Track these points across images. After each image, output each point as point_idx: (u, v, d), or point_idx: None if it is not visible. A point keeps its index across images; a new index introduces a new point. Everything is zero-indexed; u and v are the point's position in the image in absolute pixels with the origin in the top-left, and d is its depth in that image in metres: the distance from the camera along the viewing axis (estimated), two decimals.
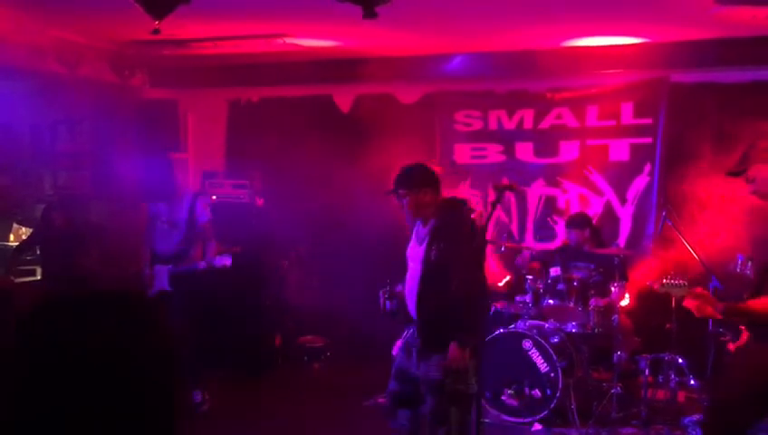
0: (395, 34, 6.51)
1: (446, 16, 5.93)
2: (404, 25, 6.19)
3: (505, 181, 5.42)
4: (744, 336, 3.59)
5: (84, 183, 6.99)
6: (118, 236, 6.13)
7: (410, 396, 4.05)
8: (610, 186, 7.03)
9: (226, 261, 5.58)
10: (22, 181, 7.07)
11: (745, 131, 5.84)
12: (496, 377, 5.45)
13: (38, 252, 6.55)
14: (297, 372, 7.00)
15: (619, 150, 6.99)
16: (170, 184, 5.76)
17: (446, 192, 6.90)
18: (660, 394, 5.61)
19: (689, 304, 3.52)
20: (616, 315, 5.59)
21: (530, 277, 5.95)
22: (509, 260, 6.98)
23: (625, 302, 5.84)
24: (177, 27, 5.88)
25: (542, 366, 5.38)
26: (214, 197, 7.01)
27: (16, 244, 6.89)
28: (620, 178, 6.98)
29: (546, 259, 6.21)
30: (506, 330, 5.59)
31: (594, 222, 6.52)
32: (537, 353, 5.41)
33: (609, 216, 6.98)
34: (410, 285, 3.99)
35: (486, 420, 5.26)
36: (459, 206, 4.15)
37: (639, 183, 6.92)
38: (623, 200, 6.99)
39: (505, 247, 6.41)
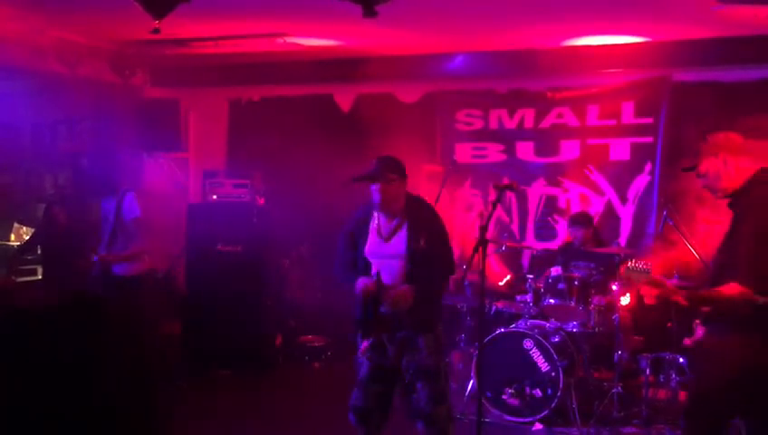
0: (395, 33, 6.51)
1: (446, 15, 5.93)
2: (404, 24, 6.19)
3: (506, 181, 5.40)
4: (700, 331, 3.58)
5: (85, 181, 6.97)
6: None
7: (394, 392, 4.06)
8: (611, 185, 7.03)
9: (128, 269, 5.36)
10: (23, 181, 7.07)
11: (748, 131, 5.83)
12: (497, 377, 5.45)
13: (39, 251, 6.56)
14: (298, 372, 7.00)
15: (620, 150, 6.99)
16: (109, 179, 5.48)
17: (448, 192, 6.97)
18: (661, 394, 5.60)
19: (645, 290, 3.51)
20: (617, 315, 5.58)
21: (530, 276, 5.95)
22: (509, 260, 6.99)
23: (626, 301, 5.84)
24: (177, 26, 5.88)
25: (543, 366, 5.37)
26: (215, 196, 7.01)
27: (17, 243, 6.90)
28: (621, 177, 6.97)
29: (549, 258, 6.22)
30: (507, 329, 5.59)
31: (595, 221, 6.52)
32: (538, 353, 5.41)
33: (610, 215, 6.98)
34: (387, 280, 3.94)
35: (487, 420, 5.25)
36: (423, 199, 4.25)
37: (640, 182, 6.91)
38: (624, 200, 6.99)
39: (506, 247, 6.40)
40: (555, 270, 5.89)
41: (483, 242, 3.99)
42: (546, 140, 7.20)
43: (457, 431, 5.19)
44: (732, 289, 3.35)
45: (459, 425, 5.24)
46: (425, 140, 7.53)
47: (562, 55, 6.93)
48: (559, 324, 5.69)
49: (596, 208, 6.97)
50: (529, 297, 5.87)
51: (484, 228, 4.05)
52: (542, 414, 5.35)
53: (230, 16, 5.91)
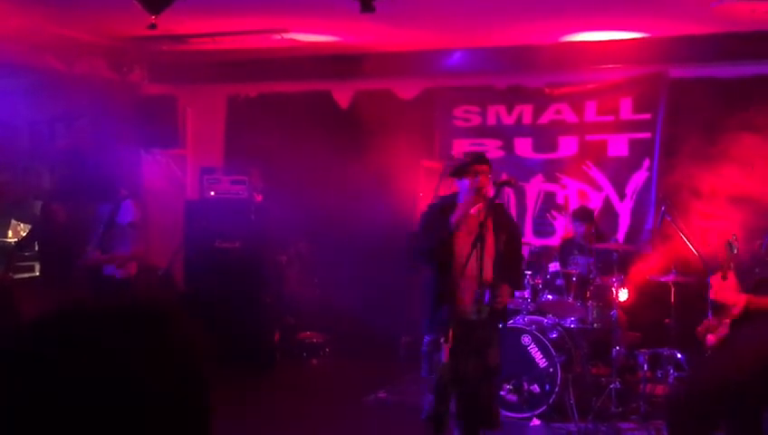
0: (393, 30, 6.50)
1: (444, 11, 5.92)
2: (402, 21, 6.18)
3: (504, 177, 5.41)
4: (724, 331, 3.60)
5: (83, 182, 6.96)
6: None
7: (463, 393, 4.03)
8: (609, 181, 7.03)
9: (119, 271, 5.36)
10: (20, 177, 7.06)
11: (745, 126, 5.85)
12: None
13: (36, 248, 6.55)
14: (296, 368, 7.00)
15: (618, 146, 6.98)
16: (107, 183, 5.51)
17: (446, 188, 6.95)
18: (659, 389, 5.60)
19: (715, 280, 3.53)
20: (614, 310, 5.59)
21: (528, 272, 5.95)
22: None
23: (624, 297, 5.84)
24: (175, 23, 5.87)
25: (541, 361, 5.38)
26: (212, 193, 7.00)
27: (15, 240, 6.89)
28: (619, 173, 6.97)
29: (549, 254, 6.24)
30: (505, 325, 5.58)
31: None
32: (536, 349, 5.41)
33: (608, 211, 6.98)
34: (474, 277, 3.85)
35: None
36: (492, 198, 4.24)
37: (638, 178, 6.91)
38: (622, 195, 6.99)
39: None
40: (553, 266, 5.89)
41: (480, 238, 3.98)
42: (544, 136, 7.19)
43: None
44: None
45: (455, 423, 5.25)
46: (423, 137, 7.53)
47: (560, 51, 6.92)
48: (557, 320, 5.69)
49: (594, 204, 6.97)
50: (527, 293, 5.87)
51: (482, 225, 4.04)
52: (540, 410, 5.35)
53: (228, 12, 5.90)
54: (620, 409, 5.36)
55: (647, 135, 6.87)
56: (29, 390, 0.82)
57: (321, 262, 7.51)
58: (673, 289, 5.62)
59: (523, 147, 7.27)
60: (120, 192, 5.47)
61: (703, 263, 5.31)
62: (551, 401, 5.30)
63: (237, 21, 6.18)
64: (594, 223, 6.22)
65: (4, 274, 5.93)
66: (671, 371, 5.47)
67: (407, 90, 7.67)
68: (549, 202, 7.19)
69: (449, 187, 7.22)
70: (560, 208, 7.10)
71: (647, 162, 6.88)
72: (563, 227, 7.02)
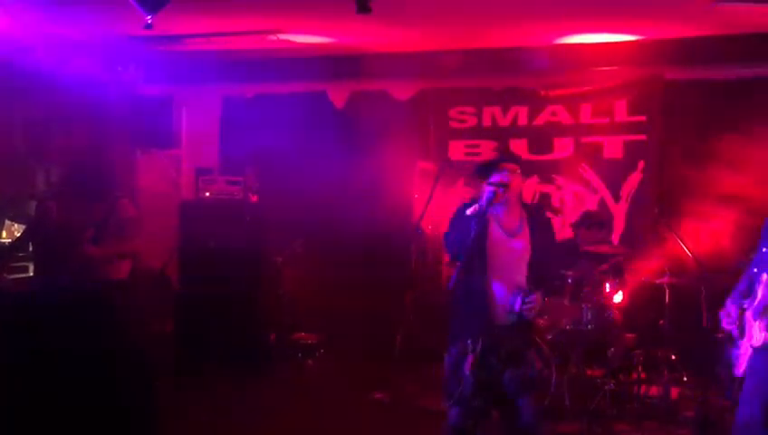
0: (389, 31, 6.51)
1: (439, 13, 5.93)
2: (398, 22, 6.19)
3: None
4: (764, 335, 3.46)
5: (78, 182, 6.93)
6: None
7: (493, 406, 3.87)
8: (604, 183, 7.05)
9: (114, 271, 5.29)
10: (14, 177, 7.03)
11: (739, 128, 5.88)
12: None
13: (30, 248, 6.52)
14: (292, 369, 6.99)
15: (613, 148, 7.01)
16: (101, 184, 5.51)
17: (441, 190, 6.97)
18: (653, 390, 5.62)
19: None
20: (610, 312, 5.60)
21: None
22: None
23: (619, 298, 5.85)
24: (170, 23, 5.86)
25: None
26: (208, 193, 6.99)
27: (9, 240, 6.86)
28: (614, 175, 6.99)
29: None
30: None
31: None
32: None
33: (604, 213, 6.99)
34: (507, 282, 3.73)
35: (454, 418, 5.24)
36: (534, 203, 4.18)
37: (633, 180, 6.94)
38: (617, 197, 7.01)
39: None
40: None
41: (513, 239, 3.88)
42: (540, 138, 7.21)
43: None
44: None
45: None
46: (418, 138, 7.55)
47: (556, 53, 6.94)
48: (552, 322, 5.69)
49: (589, 206, 6.99)
50: None
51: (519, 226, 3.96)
52: None
53: (223, 13, 5.89)
54: (615, 410, 5.37)
55: (642, 137, 6.90)
56: None
57: (316, 262, 7.50)
58: (667, 291, 5.64)
59: (519, 148, 7.28)
60: (114, 192, 5.48)
61: (697, 264, 5.33)
62: (546, 402, 5.30)
63: (233, 21, 6.18)
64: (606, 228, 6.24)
65: None
66: (665, 372, 5.49)
67: (402, 91, 7.67)
68: (544, 204, 7.20)
69: (445, 187, 7.27)
70: (555, 210, 7.11)
71: (641, 164, 6.91)
72: (559, 229, 7.03)
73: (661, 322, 5.72)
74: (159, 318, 7.03)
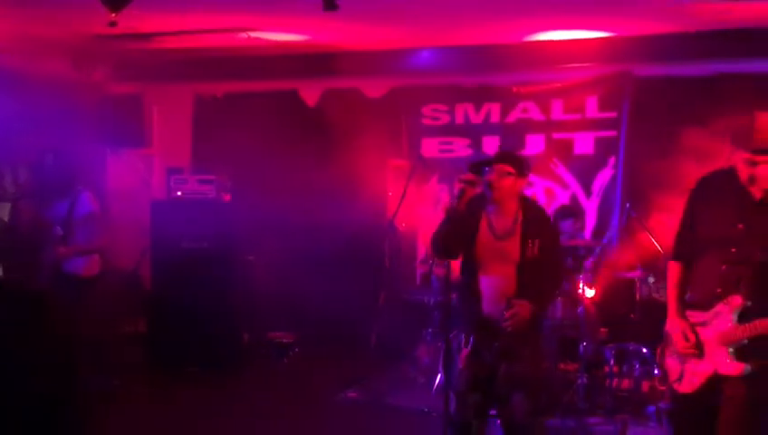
0: (361, 29, 6.50)
1: (410, 10, 5.93)
2: (370, 20, 6.18)
3: (471, 176, 5.41)
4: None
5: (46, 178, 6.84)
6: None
7: (490, 402, 3.79)
8: (576, 179, 7.11)
9: (81, 269, 5.31)
10: None
11: (707, 123, 5.95)
12: None
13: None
14: (265, 369, 6.96)
15: (584, 144, 7.08)
16: (68, 179, 5.46)
17: (415, 187, 6.98)
18: (625, 383, 5.68)
19: None
20: (582, 307, 5.64)
21: None
22: None
23: (591, 293, 5.90)
24: (139, 20, 5.80)
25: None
26: (180, 193, 6.93)
27: None
28: (586, 171, 7.06)
29: None
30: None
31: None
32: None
33: (575, 207, 7.05)
34: (495, 286, 3.68)
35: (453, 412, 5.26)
36: (537, 202, 3.99)
37: (604, 176, 7.01)
38: (588, 193, 7.08)
39: None
40: None
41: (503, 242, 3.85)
42: (512, 135, 7.25)
43: (425, 426, 5.23)
44: None
45: (427, 420, 5.27)
46: (391, 136, 7.55)
47: (527, 50, 6.98)
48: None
49: (561, 202, 7.04)
50: None
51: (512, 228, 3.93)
52: None
53: (192, 10, 5.83)
54: (587, 404, 5.42)
55: (612, 133, 6.97)
56: None
57: (290, 261, 7.47)
58: (638, 285, 5.70)
59: (492, 145, 7.31)
60: (77, 186, 5.43)
61: (667, 259, 5.38)
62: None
63: (203, 19, 6.12)
64: (580, 219, 6.30)
65: None
66: (637, 365, 5.55)
67: (375, 88, 7.67)
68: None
69: (418, 185, 7.28)
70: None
71: (612, 160, 6.98)
72: None
73: (632, 315, 5.79)
74: (131, 318, 6.96)
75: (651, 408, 5.27)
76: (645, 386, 5.60)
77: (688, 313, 3.31)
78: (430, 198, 7.52)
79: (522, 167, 3.72)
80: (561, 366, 5.74)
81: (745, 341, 3.12)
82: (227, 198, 7.00)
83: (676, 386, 3.33)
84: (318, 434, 5.30)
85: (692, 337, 3.23)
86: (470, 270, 3.75)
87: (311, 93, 7.86)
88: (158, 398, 6.00)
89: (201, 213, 6.83)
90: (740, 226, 3.13)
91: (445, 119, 7.50)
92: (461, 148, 7.44)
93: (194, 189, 6.93)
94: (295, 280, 7.44)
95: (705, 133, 5.87)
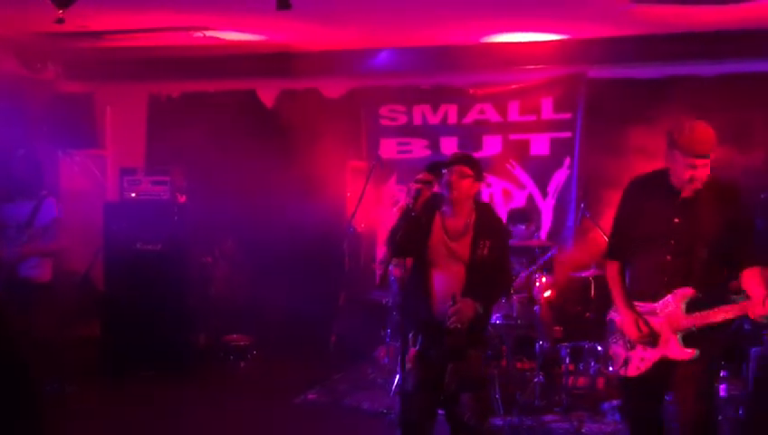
0: (318, 29, 6.47)
1: (367, 11, 5.93)
2: (327, 20, 6.16)
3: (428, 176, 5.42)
4: None
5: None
6: None
7: (438, 402, 3.79)
8: (532, 179, 7.19)
9: (35, 273, 5.23)
10: None
11: (660, 126, 6.07)
12: None
13: None
14: (223, 372, 6.88)
15: (540, 145, 7.16)
16: (28, 182, 5.37)
17: (373, 188, 6.98)
18: (581, 381, 5.76)
19: None
20: (538, 306, 5.71)
21: None
22: None
23: (547, 293, 5.97)
24: (89, 18, 5.69)
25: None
26: (133, 194, 6.81)
27: None
28: (542, 171, 7.14)
29: None
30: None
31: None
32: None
33: (532, 209, 7.13)
34: (446, 285, 3.69)
35: (400, 412, 5.27)
36: (491, 206, 4.06)
37: (560, 176, 7.10)
38: (545, 193, 7.16)
39: None
40: None
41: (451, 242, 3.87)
42: (469, 136, 7.30)
43: (383, 427, 5.23)
44: None
45: (385, 421, 5.27)
46: (350, 136, 7.53)
47: (484, 52, 7.03)
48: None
49: (518, 202, 7.12)
50: None
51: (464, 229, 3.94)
52: None
53: (144, 8, 5.74)
54: (544, 402, 5.49)
55: (567, 134, 7.06)
56: None
57: (247, 262, 7.40)
58: (593, 283, 5.79)
59: (449, 146, 7.35)
60: (41, 190, 5.35)
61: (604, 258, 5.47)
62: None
63: (155, 17, 6.02)
64: (533, 223, 6.36)
65: None
66: (592, 363, 5.63)
67: (333, 89, 7.65)
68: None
69: (377, 185, 7.29)
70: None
71: (567, 161, 7.08)
72: None
73: (587, 314, 5.88)
74: (84, 321, 6.81)
75: (606, 405, 5.36)
76: (600, 383, 5.68)
77: (636, 303, 3.50)
78: (389, 199, 7.53)
79: (479, 170, 3.78)
80: (518, 365, 5.80)
81: (694, 328, 3.33)
82: (182, 199, 6.90)
83: (621, 371, 3.56)
84: None
85: (645, 328, 3.41)
86: (421, 269, 3.78)
87: (268, 94, 7.81)
88: (112, 402, 5.88)
89: (155, 214, 6.72)
90: (676, 220, 3.37)
91: (402, 120, 7.52)
92: (419, 148, 7.46)
93: (148, 190, 6.81)
94: (253, 282, 7.38)
95: (654, 133, 6.00)
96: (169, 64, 7.61)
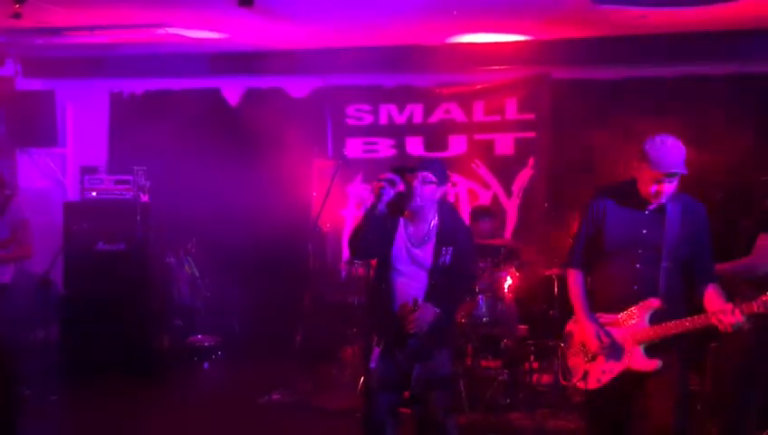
0: (282, 28, 6.43)
1: (333, 10, 5.91)
2: (291, 19, 6.13)
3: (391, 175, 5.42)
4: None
5: None
6: None
7: (404, 401, 3.80)
8: (497, 179, 7.24)
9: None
10: None
11: (621, 124, 6.16)
12: None
13: None
14: (187, 373, 6.80)
15: (505, 144, 7.21)
16: None
17: (339, 187, 6.95)
18: (545, 379, 5.81)
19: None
20: (502, 304, 5.74)
21: None
22: None
23: (511, 291, 6.00)
24: (48, 14, 5.57)
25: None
26: (94, 193, 6.69)
27: None
28: (506, 171, 7.19)
29: None
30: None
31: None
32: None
33: (497, 208, 7.18)
34: (408, 289, 3.69)
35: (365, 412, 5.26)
36: (455, 209, 4.01)
37: (524, 176, 7.16)
38: (509, 193, 7.21)
39: None
40: None
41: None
42: (435, 135, 7.33)
43: (349, 426, 5.21)
44: None
45: (351, 420, 5.25)
46: (315, 136, 7.51)
47: (449, 52, 7.06)
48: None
49: (483, 202, 7.16)
50: None
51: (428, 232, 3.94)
52: None
53: (106, 4, 5.64)
54: (509, 400, 5.52)
55: (531, 134, 7.12)
56: None
57: (212, 263, 7.33)
58: (556, 282, 5.85)
59: (415, 146, 7.37)
60: (5, 191, 5.27)
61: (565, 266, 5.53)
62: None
63: (117, 13, 5.93)
64: (496, 218, 6.41)
65: None
66: (556, 361, 5.68)
67: (298, 88, 7.63)
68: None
69: (342, 185, 7.27)
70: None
71: (532, 160, 7.14)
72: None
73: (551, 312, 5.93)
74: (43, 323, 6.68)
75: (570, 402, 5.41)
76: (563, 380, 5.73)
77: (598, 314, 3.48)
78: (354, 199, 7.52)
79: (443, 175, 3.75)
80: (483, 363, 5.83)
81: (657, 340, 3.32)
82: (145, 198, 6.81)
83: (580, 385, 3.51)
84: None
85: (606, 339, 3.39)
86: (384, 272, 3.78)
87: (233, 92, 7.75)
88: (71, 407, 5.77)
89: (118, 214, 6.63)
90: (644, 231, 3.38)
91: (368, 119, 7.51)
92: (385, 148, 7.47)
93: (110, 190, 6.72)
94: (218, 282, 7.31)
95: (615, 134, 6.09)
96: (132, 62, 7.50)
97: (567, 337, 3.65)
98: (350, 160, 7.36)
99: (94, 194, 6.70)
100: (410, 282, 3.71)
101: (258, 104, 7.56)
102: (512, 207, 7.21)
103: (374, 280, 3.85)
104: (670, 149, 3.27)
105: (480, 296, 5.76)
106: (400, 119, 7.44)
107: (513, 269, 6.04)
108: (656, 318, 3.33)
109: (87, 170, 6.83)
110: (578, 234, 3.60)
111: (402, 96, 7.41)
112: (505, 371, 5.61)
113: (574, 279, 3.58)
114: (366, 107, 7.51)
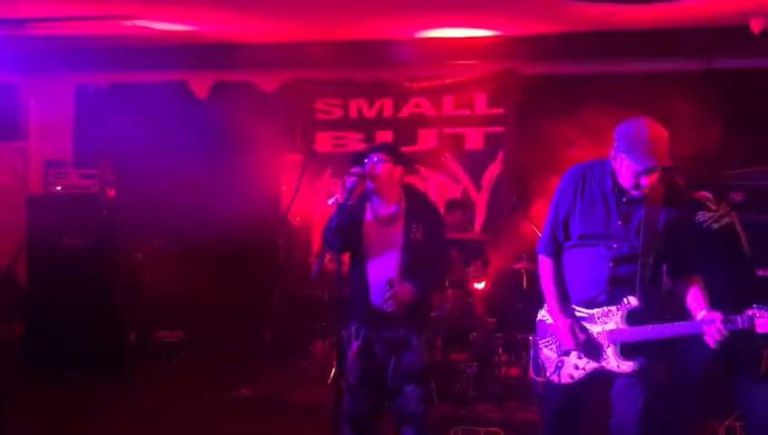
0: (251, 20, 6.39)
1: (302, 3, 5.88)
2: (261, 11, 6.08)
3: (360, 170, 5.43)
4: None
5: None
6: None
7: (383, 394, 3.78)
8: (467, 173, 7.28)
9: None
10: None
11: (587, 121, 6.22)
12: None
13: None
14: (154, 369, 6.73)
15: (474, 139, 7.25)
16: None
17: (308, 181, 6.92)
18: (513, 371, 5.87)
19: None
20: (472, 298, 5.78)
21: None
22: None
23: (480, 285, 6.05)
24: (9, 5, 5.46)
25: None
26: (59, 187, 6.58)
27: None
28: (476, 165, 7.24)
29: None
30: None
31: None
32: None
33: (467, 201, 7.21)
34: (381, 272, 3.68)
35: (346, 406, 5.27)
36: (422, 191, 4.07)
37: (493, 170, 7.21)
38: (479, 187, 7.26)
39: None
40: None
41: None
42: (405, 130, 7.34)
43: (319, 420, 5.21)
44: None
45: (322, 414, 5.25)
46: (285, 129, 7.47)
47: (418, 46, 7.07)
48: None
49: (452, 196, 7.18)
50: None
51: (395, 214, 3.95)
52: None
53: None
54: (477, 392, 5.57)
55: (500, 129, 7.18)
56: None
57: (180, 258, 7.25)
58: (525, 275, 5.90)
59: (385, 140, 7.36)
60: None
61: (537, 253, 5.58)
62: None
63: (81, 5, 5.82)
64: (467, 211, 6.45)
65: None
66: (524, 354, 5.74)
67: (268, 82, 7.58)
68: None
69: (312, 179, 7.24)
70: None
71: (501, 155, 7.19)
72: None
73: (520, 305, 5.98)
74: (7, 321, 6.56)
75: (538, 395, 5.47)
76: (531, 373, 5.79)
77: (572, 307, 3.25)
78: (324, 193, 7.49)
79: (397, 155, 3.82)
80: (452, 356, 5.86)
81: (635, 342, 3.10)
82: (112, 192, 6.72)
83: (553, 378, 3.30)
84: (212, 434, 5.17)
85: (581, 335, 3.16)
86: (358, 260, 3.79)
87: (201, 85, 7.67)
88: (37, 406, 5.67)
89: (83, 209, 6.53)
90: (619, 222, 3.12)
91: (338, 113, 7.50)
92: (354, 142, 7.46)
93: (75, 184, 6.62)
94: (186, 277, 7.23)
95: (581, 128, 6.15)
96: (97, 54, 7.39)
97: (538, 327, 3.44)
98: (320, 154, 7.35)
99: (59, 188, 6.59)
100: (383, 264, 3.72)
101: (227, 98, 7.49)
102: (481, 202, 7.25)
103: (349, 271, 3.85)
104: (652, 141, 3.00)
105: (449, 290, 5.80)
106: (370, 113, 7.44)
107: (482, 263, 6.08)
108: (633, 318, 3.11)
109: (52, 164, 6.72)
110: (549, 218, 3.32)
111: (372, 90, 7.41)
112: (474, 363, 5.65)
113: (546, 268, 3.32)
114: (335, 101, 7.49)
